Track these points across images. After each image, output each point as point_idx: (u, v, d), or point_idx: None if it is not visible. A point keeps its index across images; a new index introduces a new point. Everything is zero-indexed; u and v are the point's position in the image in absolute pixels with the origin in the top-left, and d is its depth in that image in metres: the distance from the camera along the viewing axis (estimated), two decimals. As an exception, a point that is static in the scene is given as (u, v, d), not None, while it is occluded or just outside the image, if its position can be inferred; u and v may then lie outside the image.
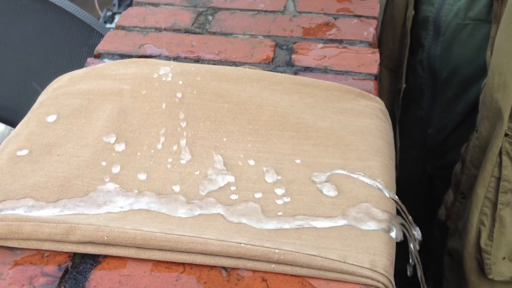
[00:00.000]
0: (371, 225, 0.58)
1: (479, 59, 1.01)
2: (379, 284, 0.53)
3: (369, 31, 0.94)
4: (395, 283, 0.67)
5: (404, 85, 1.12)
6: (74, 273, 0.55)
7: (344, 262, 0.53)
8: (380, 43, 1.17)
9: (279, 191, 0.63)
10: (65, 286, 0.53)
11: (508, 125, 0.81)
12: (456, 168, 0.97)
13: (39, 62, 1.19)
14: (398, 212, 0.62)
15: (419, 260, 0.60)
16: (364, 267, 0.53)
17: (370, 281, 0.53)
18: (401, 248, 0.70)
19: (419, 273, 0.59)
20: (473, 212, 0.87)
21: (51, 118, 0.71)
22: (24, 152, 0.66)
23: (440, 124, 1.14)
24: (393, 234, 0.58)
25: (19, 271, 0.54)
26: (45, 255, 0.56)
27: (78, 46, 1.14)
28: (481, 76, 1.02)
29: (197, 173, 0.65)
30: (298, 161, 0.67)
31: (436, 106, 1.13)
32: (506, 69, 0.79)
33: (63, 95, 0.76)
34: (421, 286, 0.59)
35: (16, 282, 0.53)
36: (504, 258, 0.87)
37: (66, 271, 0.55)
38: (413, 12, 1.06)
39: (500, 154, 0.83)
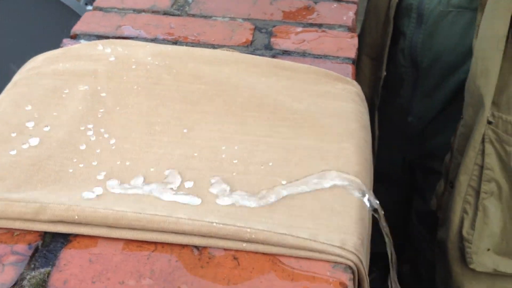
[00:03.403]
0: (337, 182, 0.58)
1: (461, 46, 1.01)
2: (349, 262, 0.53)
3: (349, 15, 0.94)
4: (374, 265, 0.68)
5: (385, 73, 1.13)
6: (44, 252, 0.54)
7: (315, 241, 0.54)
8: (362, 31, 1.17)
9: (254, 172, 0.63)
10: (35, 265, 0.53)
11: (493, 113, 0.81)
12: (446, 157, 0.97)
13: (17, 44, 1.18)
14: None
15: (389, 235, 0.60)
16: (334, 245, 0.53)
17: (340, 259, 0.53)
18: (380, 232, 0.71)
19: (389, 249, 0.59)
20: (457, 200, 0.86)
21: (24, 98, 0.70)
22: (-4, 131, 0.65)
23: (420, 112, 1.15)
24: (365, 199, 0.58)
25: (-11, 250, 0.54)
26: (15, 233, 0.56)
27: (57, 28, 1.13)
28: (462, 64, 1.03)
29: (172, 154, 0.65)
30: (273, 143, 0.67)
31: (416, 94, 1.13)
32: (488, 55, 0.79)
33: (37, 75, 0.75)
34: (389, 260, 0.59)
35: (-14, 260, 0.53)
36: (488, 250, 0.86)
37: (36, 250, 0.54)
38: (397, 0, 1.06)
39: (483, 141, 0.82)
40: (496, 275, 0.88)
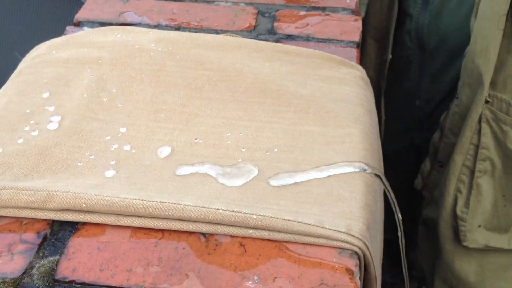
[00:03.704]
0: (347, 169, 0.59)
1: (467, 28, 1.00)
2: (355, 248, 0.53)
3: (353, -2, 0.93)
4: (384, 252, 0.68)
5: (391, 56, 1.12)
6: (53, 240, 0.55)
7: (321, 227, 0.54)
8: (367, 14, 1.16)
9: (259, 158, 0.63)
10: (44, 253, 0.54)
11: (489, 92, 0.81)
12: (434, 136, 0.97)
13: (22, 32, 1.17)
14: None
15: (401, 228, 0.60)
16: (340, 231, 0.54)
17: (345, 245, 0.53)
18: (388, 219, 0.71)
19: (401, 241, 0.60)
20: (450, 179, 0.87)
21: (29, 86, 0.71)
22: (2, 120, 0.66)
23: (428, 95, 1.14)
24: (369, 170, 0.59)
25: (-2, 239, 0.55)
26: (24, 222, 0.56)
27: (60, 16, 1.12)
28: (468, 46, 1.02)
29: (177, 141, 0.65)
30: (278, 128, 0.67)
31: (423, 77, 1.13)
32: (488, 33, 0.79)
33: (42, 63, 0.75)
34: (401, 253, 0.60)
35: (-5, 249, 0.54)
36: (479, 226, 0.87)
37: (44, 238, 0.55)
38: None
39: (479, 121, 0.83)
40: (487, 250, 0.90)
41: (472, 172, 0.84)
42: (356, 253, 0.53)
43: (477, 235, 0.87)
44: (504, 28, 0.77)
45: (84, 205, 0.55)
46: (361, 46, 0.86)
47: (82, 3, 1.09)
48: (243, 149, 0.64)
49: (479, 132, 0.82)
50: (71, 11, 1.11)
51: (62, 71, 0.73)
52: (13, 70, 0.77)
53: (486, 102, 0.81)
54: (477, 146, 0.83)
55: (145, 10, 0.90)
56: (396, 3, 1.07)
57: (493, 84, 0.80)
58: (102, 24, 0.86)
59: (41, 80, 0.72)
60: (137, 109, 0.69)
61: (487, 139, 0.82)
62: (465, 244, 0.87)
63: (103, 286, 0.51)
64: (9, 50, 1.18)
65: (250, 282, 0.51)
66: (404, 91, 1.17)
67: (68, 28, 0.86)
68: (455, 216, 0.87)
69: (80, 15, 0.89)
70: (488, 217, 0.87)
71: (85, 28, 0.85)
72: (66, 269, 0.52)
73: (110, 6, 0.90)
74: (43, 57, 0.76)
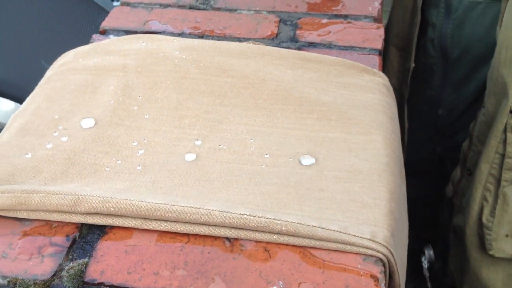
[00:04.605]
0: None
1: (490, 38, 1.00)
2: (379, 254, 0.54)
3: (374, 6, 0.93)
4: (407, 262, 0.68)
5: (413, 65, 1.12)
6: (81, 243, 0.56)
7: (345, 233, 0.54)
8: (390, 22, 1.16)
9: (283, 164, 0.63)
10: (73, 256, 0.55)
11: None
12: (464, 144, 0.97)
13: (47, 40, 1.20)
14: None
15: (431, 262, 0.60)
16: (364, 238, 0.54)
17: (370, 251, 0.54)
18: (412, 228, 0.71)
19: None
20: (477, 187, 0.87)
21: (58, 93, 0.72)
22: (31, 126, 0.67)
23: (450, 104, 1.14)
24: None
25: (28, 241, 0.56)
26: (53, 225, 0.58)
27: (85, 24, 1.15)
28: (492, 55, 1.02)
29: (201, 147, 0.66)
30: (301, 135, 0.68)
31: (446, 86, 1.13)
32: None
33: (69, 71, 0.76)
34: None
35: (26, 251, 0.55)
36: (507, 236, 0.87)
37: (74, 241, 0.56)
38: None
39: (505, 130, 0.82)
40: None
41: (498, 181, 0.84)
42: (381, 260, 0.54)
43: (504, 245, 0.86)
44: None
45: (112, 209, 0.56)
46: (384, 54, 0.86)
47: (106, 11, 1.11)
48: (266, 156, 0.65)
49: (504, 141, 0.82)
50: (95, 19, 1.13)
51: (89, 78, 0.75)
52: (39, 77, 0.79)
53: (511, 111, 0.80)
54: (502, 155, 0.83)
55: (169, 18, 0.91)
56: (419, 11, 1.07)
57: None
58: (127, 32, 0.88)
59: (69, 87, 0.73)
60: (162, 116, 0.70)
61: None
62: (491, 253, 0.87)
63: (130, 288, 0.52)
64: (35, 58, 1.20)
65: (275, 287, 0.51)
66: (426, 100, 1.17)
67: (94, 36, 0.88)
68: (481, 225, 0.87)
69: (106, 23, 0.91)
70: None
71: (111, 36, 0.87)
72: (95, 272, 0.53)
73: (135, 15, 0.92)
74: (70, 65, 0.78)
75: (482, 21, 1.01)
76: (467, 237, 0.92)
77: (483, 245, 0.89)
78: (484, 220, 0.87)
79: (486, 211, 0.87)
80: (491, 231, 0.87)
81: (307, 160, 0.64)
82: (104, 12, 1.10)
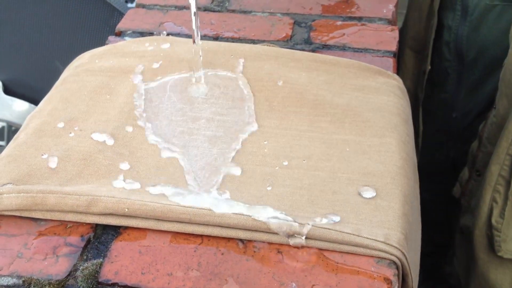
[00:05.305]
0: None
1: (506, 41, 1.00)
2: (393, 257, 0.53)
3: (389, 8, 0.93)
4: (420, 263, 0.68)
5: (429, 67, 1.11)
6: (96, 244, 0.57)
7: (359, 236, 0.54)
8: (405, 24, 1.16)
9: (296, 166, 0.63)
10: (88, 256, 0.55)
11: None
12: (473, 145, 0.97)
13: (62, 42, 1.21)
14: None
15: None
16: (378, 241, 0.54)
17: (383, 254, 0.53)
18: (424, 231, 0.71)
19: None
20: (486, 189, 0.87)
21: (73, 94, 0.73)
22: (47, 127, 0.68)
23: (465, 108, 1.13)
24: None
25: (43, 241, 0.57)
26: (68, 226, 0.58)
27: (100, 26, 1.15)
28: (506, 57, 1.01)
29: (216, 147, 0.66)
30: (315, 137, 0.67)
31: (461, 89, 1.12)
32: None
33: (85, 72, 0.77)
34: None
35: (41, 251, 0.56)
36: None
37: (88, 242, 0.57)
38: None
39: None
40: None
41: (508, 182, 0.84)
42: (394, 262, 0.53)
43: None
44: None
45: (126, 209, 0.57)
46: (398, 56, 0.85)
47: (120, 12, 1.12)
48: (280, 158, 0.65)
49: None
50: (108, 21, 1.14)
51: (104, 79, 0.75)
52: (53, 78, 0.80)
53: None
54: None
55: (184, 20, 0.92)
56: (435, 14, 1.06)
57: None
58: (143, 34, 0.89)
59: (85, 88, 0.74)
60: (177, 117, 0.70)
61: None
62: (500, 254, 0.87)
63: (144, 289, 0.52)
64: (49, 59, 1.21)
65: (288, 289, 0.51)
66: (441, 103, 1.16)
67: (110, 38, 0.89)
68: (490, 226, 0.87)
69: (122, 25, 0.91)
70: None
71: (126, 38, 0.88)
72: (109, 272, 0.54)
73: (150, 17, 0.93)
74: (86, 66, 0.79)
75: (498, 23, 1.00)
76: (475, 238, 0.92)
77: (491, 247, 0.89)
78: (493, 221, 0.87)
79: (496, 213, 0.87)
80: (500, 232, 0.87)
81: (322, 163, 0.64)
82: (118, 13, 1.11)
